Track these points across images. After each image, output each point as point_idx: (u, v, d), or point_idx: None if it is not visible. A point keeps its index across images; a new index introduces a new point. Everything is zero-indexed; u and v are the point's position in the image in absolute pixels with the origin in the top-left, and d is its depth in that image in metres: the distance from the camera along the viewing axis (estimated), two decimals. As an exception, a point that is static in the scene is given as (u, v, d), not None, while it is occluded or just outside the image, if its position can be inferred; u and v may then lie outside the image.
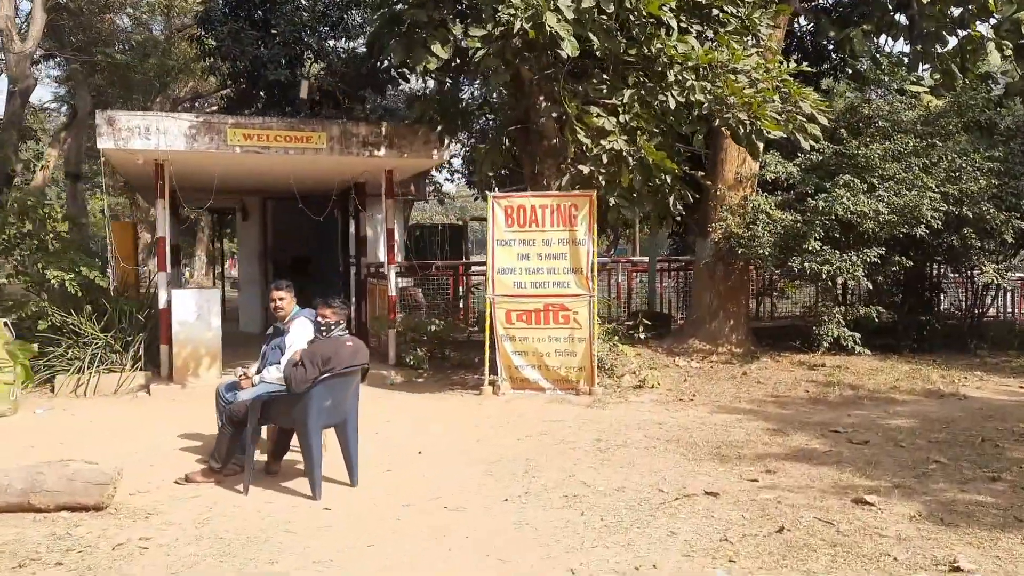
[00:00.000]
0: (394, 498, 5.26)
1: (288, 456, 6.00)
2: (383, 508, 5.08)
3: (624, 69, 8.42)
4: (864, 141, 10.47)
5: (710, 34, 8.48)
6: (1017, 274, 13.76)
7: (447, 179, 38.14)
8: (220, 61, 15.01)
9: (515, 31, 7.16)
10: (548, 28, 7.06)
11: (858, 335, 10.34)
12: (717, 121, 7.84)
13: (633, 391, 8.91)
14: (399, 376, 9.86)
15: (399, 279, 14.18)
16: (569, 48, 7.26)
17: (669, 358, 10.95)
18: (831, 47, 15.36)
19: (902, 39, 15.86)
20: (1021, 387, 9.29)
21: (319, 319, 5.48)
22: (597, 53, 8.01)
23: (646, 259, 14.65)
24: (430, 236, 21.14)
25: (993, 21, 14.88)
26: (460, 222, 23.34)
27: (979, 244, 10.43)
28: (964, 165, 10.33)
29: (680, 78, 7.93)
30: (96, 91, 23.72)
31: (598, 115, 8.19)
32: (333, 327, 5.36)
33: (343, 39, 15.32)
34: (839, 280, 10.02)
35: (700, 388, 9.16)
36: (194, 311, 9.09)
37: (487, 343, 8.75)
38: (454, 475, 5.78)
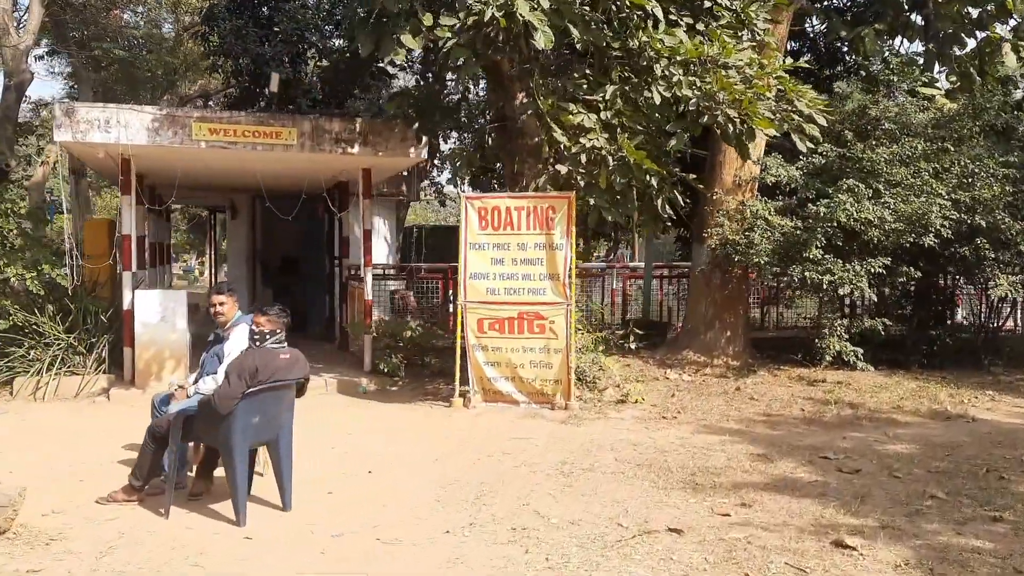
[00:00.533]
0: (326, 526, 4.77)
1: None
2: (310, 538, 4.59)
3: (608, 64, 7.89)
4: (870, 144, 9.86)
5: (702, 27, 7.93)
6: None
7: (448, 179, 37.62)
8: (223, 59, 14.73)
9: (486, 20, 6.65)
10: (520, 17, 6.55)
11: (861, 350, 9.75)
12: (705, 118, 7.29)
13: (614, 406, 8.37)
14: (372, 384, 9.38)
15: (391, 282, 13.77)
16: (543, 39, 6.75)
17: (660, 370, 10.40)
18: (845, 49, 14.78)
19: (918, 41, 15.29)
20: (1035, 409, 8.67)
21: (252, 327, 5.01)
22: (578, 47, 7.49)
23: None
24: (428, 238, 20.72)
25: (1013, 23, 14.25)
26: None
27: (993, 255, 9.79)
28: (977, 171, 9.70)
29: (667, 73, 7.40)
30: (101, 88, 23.49)
31: (577, 112, 7.66)
32: (268, 337, 4.87)
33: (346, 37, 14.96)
34: (842, 291, 9.40)
35: (687, 404, 8.61)
36: (158, 312, 8.65)
37: (457, 352, 8.25)
38: (401, 499, 5.29)
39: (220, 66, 15.42)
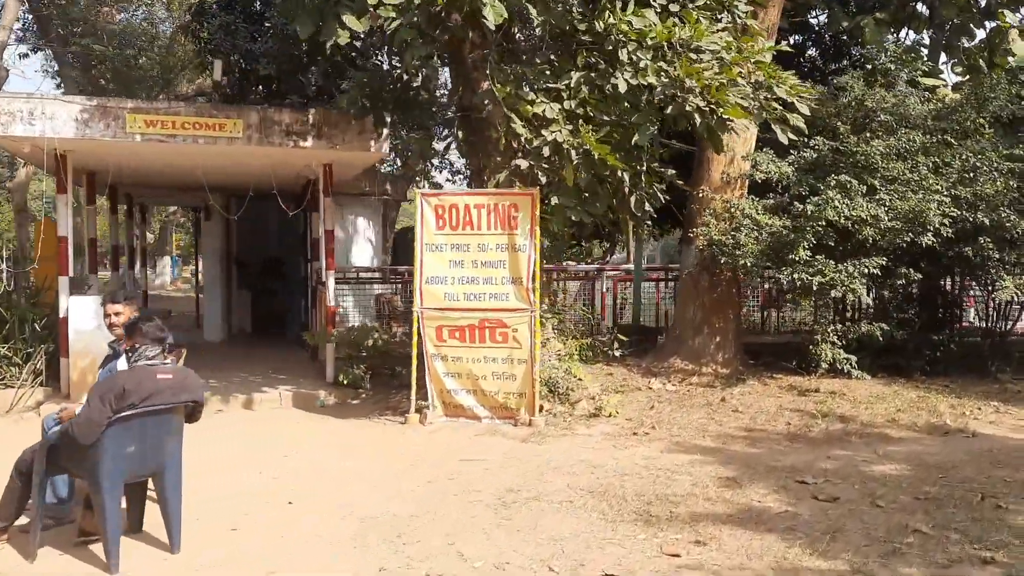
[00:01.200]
0: (215, 574, 4.19)
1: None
2: (192, 588, 4.01)
3: (575, 48, 7.28)
4: (864, 137, 9.18)
5: (676, 9, 7.29)
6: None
7: (448, 179, 37.02)
8: (212, 56, 14.24)
9: (431, -3, 6.06)
10: (464, -9, 5.96)
11: (855, 357, 9.09)
12: (670, 108, 6.65)
13: (585, 421, 7.76)
14: (332, 397, 8.82)
15: (376, 286, 13.19)
16: (492, 15, 6.14)
17: (645, 379, 9.77)
18: (851, 43, 14.09)
19: (925, 32, 14.59)
20: (1043, 422, 7.97)
21: (121, 342, 4.45)
22: (538, 31, 6.88)
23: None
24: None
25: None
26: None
27: (998, 255, 9.08)
28: (980, 165, 9.00)
29: (634, 58, 6.78)
30: (91, 87, 23.08)
31: (540, 101, 7.05)
32: (141, 352, 4.27)
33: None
34: (834, 293, 8.74)
35: (665, 418, 7.98)
36: (94, 319, 8.11)
37: (414, 363, 7.66)
38: (314, 537, 4.70)
39: (210, 63, 14.95)
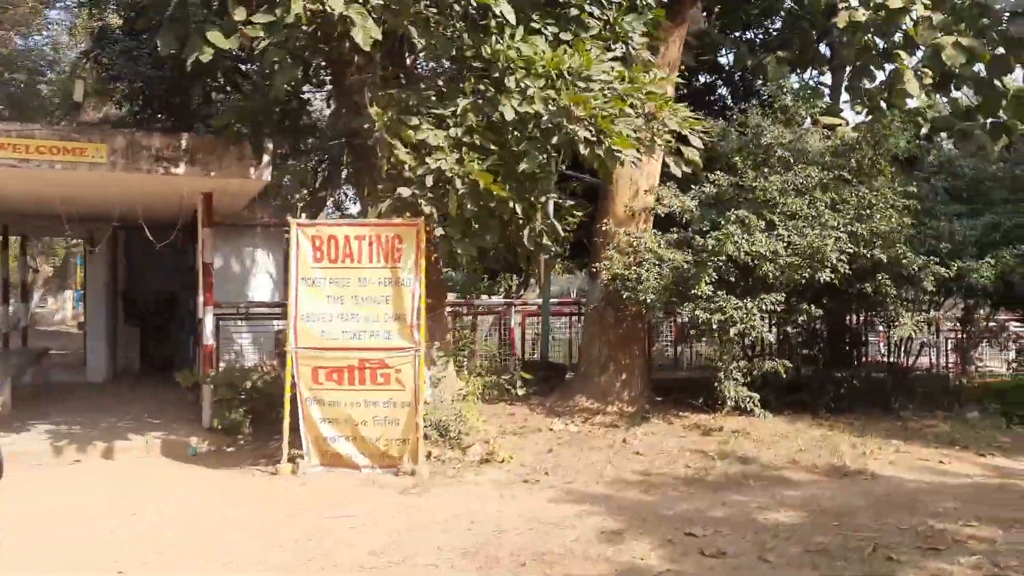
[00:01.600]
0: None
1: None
2: None
3: (463, 74, 6.94)
4: (763, 173, 9.09)
5: (569, 38, 7.04)
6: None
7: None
8: (114, 83, 13.45)
9: (298, 15, 5.62)
10: (330, 9, 5.54)
11: (757, 396, 8.88)
12: (555, 138, 6.35)
13: (476, 467, 7.28)
14: (206, 444, 8.14)
15: (276, 322, 12.48)
16: (361, 37, 5.75)
17: (548, 419, 9.38)
18: (760, 83, 14.26)
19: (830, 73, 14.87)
20: (941, 462, 7.85)
21: None
22: (421, 54, 6.52)
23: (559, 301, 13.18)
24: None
25: (920, 54, 13.86)
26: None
27: (895, 292, 9.06)
28: (876, 202, 8.99)
29: (522, 85, 6.46)
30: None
31: (427, 127, 6.66)
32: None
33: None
34: (733, 331, 8.53)
35: (561, 462, 7.57)
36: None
37: (286, 408, 7.08)
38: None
39: (112, 90, 14.14)
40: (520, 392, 9.70)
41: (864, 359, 12.26)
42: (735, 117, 10.34)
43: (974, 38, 10.81)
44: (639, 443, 8.40)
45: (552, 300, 15.17)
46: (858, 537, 5.39)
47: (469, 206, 6.51)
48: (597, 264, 9.73)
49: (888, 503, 6.32)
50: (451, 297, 14.66)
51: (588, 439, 8.60)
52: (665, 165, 9.40)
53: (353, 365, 6.96)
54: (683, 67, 12.78)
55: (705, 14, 12.65)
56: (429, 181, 6.56)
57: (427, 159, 6.60)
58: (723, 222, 8.71)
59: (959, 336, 12.43)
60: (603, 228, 9.84)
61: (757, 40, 14.66)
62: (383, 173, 6.92)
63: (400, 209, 7.12)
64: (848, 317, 11.45)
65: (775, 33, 14.47)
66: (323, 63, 7.93)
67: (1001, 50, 12.01)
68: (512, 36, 6.67)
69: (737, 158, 9.32)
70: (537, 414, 9.57)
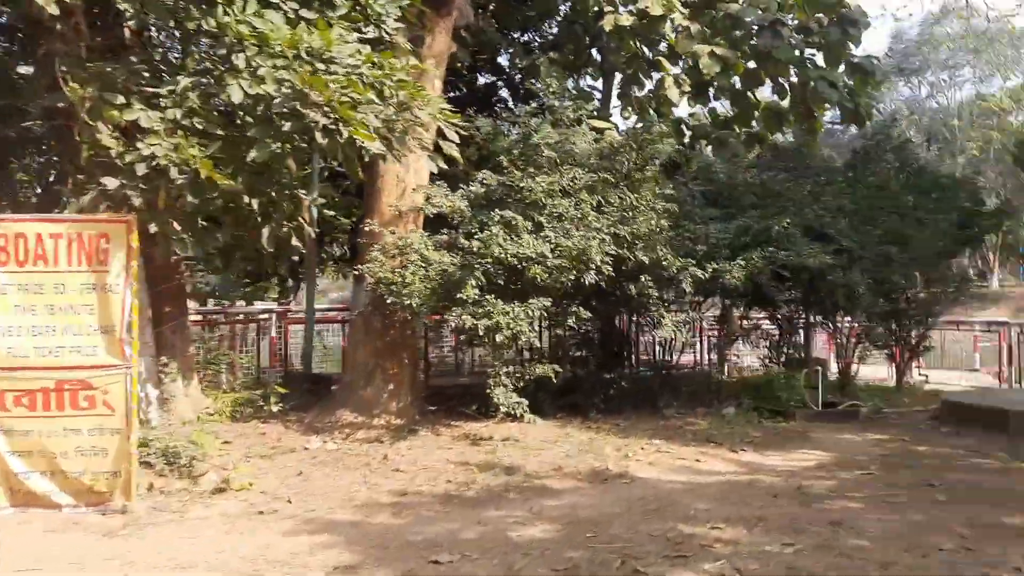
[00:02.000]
0: None
1: None
2: None
3: (187, 49, 6.05)
4: (530, 173, 8.89)
5: (313, 16, 6.35)
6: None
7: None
8: None
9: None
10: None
11: (525, 401, 8.65)
12: (288, 125, 5.67)
13: (207, 498, 6.39)
14: None
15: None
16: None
17: (305, 437, 8.61)
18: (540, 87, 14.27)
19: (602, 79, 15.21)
20: (698, 460, 7.98)
21: None
22: (130, 25, 5.57)
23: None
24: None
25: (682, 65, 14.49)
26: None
27: (656, 293, 9.20)
28: (638, 204, 9.08)
29: (254, 64, 5.70)
30: None
31: (139, 107, 5.71)
32: None
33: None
34: (499, 337, 8.24)
35: (309, 486, 6.86)
36: None
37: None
38: None
39: None
40: (275, 408, 8.84)
41: (634, 360, 12.57)
42: (501, 114, 10.14)
43: (729, 49, 11.34)
44: (402, 459, 7.86)
45: (325, 307, 14.37)
46: (609, 550, 5.18)
47: (190, 199, 5.63)
48: (361, 267, 9.09)
49: (643, 509, 6.23)
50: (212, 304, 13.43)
51: (346, 458, 7.93)
52: (448, 163, 9.00)
53: (49, 387, 5.83)
54: (461, 66, 12.52)
55: (482, 11, 12.42)
56: (140, 170, 5.61)
57: (138, 144, 5.64)
58: (489, 223, 8.39)
59: (717, 335, 13.08)
60: (368, 228, 9.21)
61: (535, 42, 14.71)
62: (83, 161, 5.85)
63: (112, 202, 6.07)
64: (618, 319, 11.65)
65: (552, 37, 14.59)
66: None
67: (753, 64, 12.80)
68: (243, 9, 5.88)
69: (503, 157, 9.04)
70: (293, 432, 8.76)
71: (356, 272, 9.20)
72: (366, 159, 6.25)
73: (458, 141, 6.67)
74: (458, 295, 8.21)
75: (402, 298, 8.40)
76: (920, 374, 14.80)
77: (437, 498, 6.59)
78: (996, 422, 9.14)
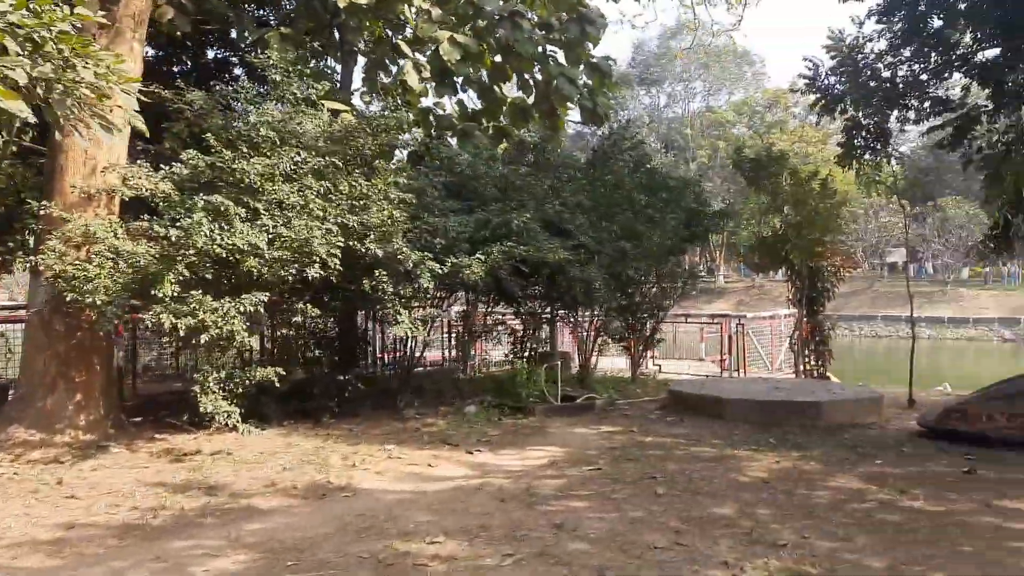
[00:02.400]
0: None
1: None
2: None
3: None
4: (243, 154, 7.93)
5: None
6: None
7: None
8: None
9: None
10: None
11: (237, 410, 7.74)
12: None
13: None
14: None
15: None
16: None
17: (-40, 461, 7.04)
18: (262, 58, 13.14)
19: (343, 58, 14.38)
20: (431, 465, 7.51)
21: None
22: None
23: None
24: None
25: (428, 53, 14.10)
26: None
27: (392, 289, 8.62)
28: (370, 193, 8.45)
29: None
30: None
31: None
32: None
33: None
34: (204, 337, 7.24)
35: (-63, 529, 5.49)
36: None
37: None
38: None
39: None
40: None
41: (374, 359, 11.97)
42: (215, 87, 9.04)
43: (472, 39, 11.05)
44: (82, 482, 6.65)
45: (15, 304, 12.35)
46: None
47: None
48: (35, 258, 7.62)
49: (359, 526, 5.61)
50: None
51: (10, 484, 6.56)
52: (144, 140, 7.76)
53: None
54: (181, 35, 11.16)
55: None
56: None
57: None
58: (191, 209, 7.35)
59: (460, 331, 12.84)
60: (46, 213, 7.75)
61: (271, 17, 13.58)
62: None
63: None
64: (356, 316, 10.99)
65: (288, 11, 13.53)
66: None
67: (499, 58, 12.68)
68: None
69: (210, 135, 7.99)
70: (-52, 456, 7.17)
71: (31, 263, 7.71)
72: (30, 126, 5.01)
73: (136, 107, 5.61)
74: (154, 291, 7.10)
75: (84, 295, 7.13)
76: (655, 364, 15.68)
77: (113, 530, 5.53)
78: (714, 411, 9.66)
